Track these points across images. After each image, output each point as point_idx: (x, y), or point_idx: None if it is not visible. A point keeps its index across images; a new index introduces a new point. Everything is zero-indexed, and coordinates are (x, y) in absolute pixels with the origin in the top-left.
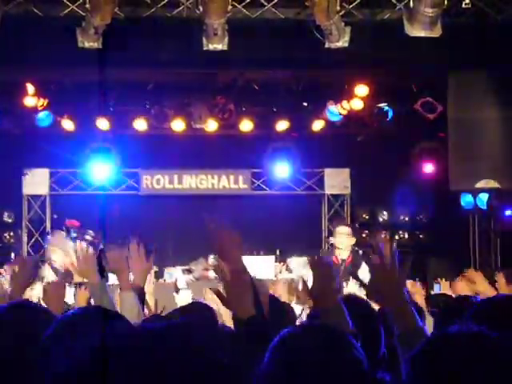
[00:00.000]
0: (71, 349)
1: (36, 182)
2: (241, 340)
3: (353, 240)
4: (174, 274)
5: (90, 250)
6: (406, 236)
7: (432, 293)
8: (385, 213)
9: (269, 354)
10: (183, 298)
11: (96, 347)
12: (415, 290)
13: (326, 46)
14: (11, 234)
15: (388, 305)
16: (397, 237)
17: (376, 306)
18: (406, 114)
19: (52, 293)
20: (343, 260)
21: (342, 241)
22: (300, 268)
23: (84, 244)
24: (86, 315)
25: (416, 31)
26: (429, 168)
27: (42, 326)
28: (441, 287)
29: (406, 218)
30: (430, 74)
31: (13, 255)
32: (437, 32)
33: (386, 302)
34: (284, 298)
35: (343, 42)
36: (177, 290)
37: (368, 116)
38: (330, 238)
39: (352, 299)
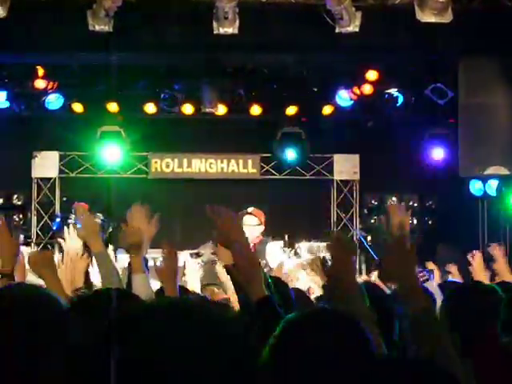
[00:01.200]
0: (87, 323)
1: (45, 164)
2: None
3: (259, 229)
4: (182, 257)
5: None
6: (415, 222)
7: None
8: (394, 199)
9: (272, 341)
10: (192, 282)
11: (112, 320)
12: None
13: (337, 30)
14: (20, 216)
15: (401, 283)
16: None
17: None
18: (416, 100)
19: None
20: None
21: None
22: (308, 253)
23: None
24: (102, 295)
25: (427, 17)
26: (438, 154)
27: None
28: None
29: (415, 204)
30: (440, 60)
31: (21, 237)
32: (448, 17)
33: (399, 280)
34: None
35: (354, 27)
36: (185, 274)
37: (378, 102)
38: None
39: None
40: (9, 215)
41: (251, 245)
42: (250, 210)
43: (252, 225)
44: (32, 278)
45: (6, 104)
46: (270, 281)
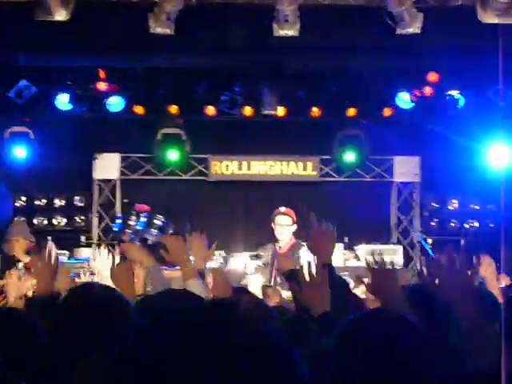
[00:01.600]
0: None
1: (106, 166)
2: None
3: (293, 228)
4: (243, 260)
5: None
6: (477, 225)
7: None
8: (455, 201)
9: (334, 340)
10: (252, 284)
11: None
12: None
13: (398, 32)
14: (82, 218)
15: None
16: (467, 225)
17: None
18: (477, 102)
19: (120, 274)
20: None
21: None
22: (369, 256)
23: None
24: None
25: (489, 18)
26: (499, 156)
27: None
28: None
29: (477, 207)
30: (503, 62)
31: (83, 239)
32: (511, 18)
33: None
34: None
35: (415, 29)
36: (245, 276)
37: (439, 103)
38: (272, 224)
39: (417, 290)
40: (70, 217)
41: (287, 246)
42: (282, 209)
43: (287, 224)
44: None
45: (69, 106)
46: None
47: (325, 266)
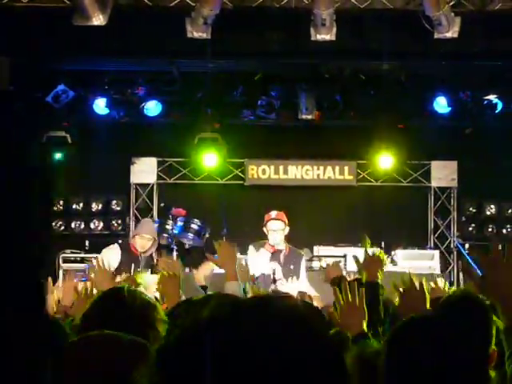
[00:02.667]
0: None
1: (144, 170)
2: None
3: (286, 231)
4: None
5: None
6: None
7: None
8: (492, 206)
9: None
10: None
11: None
12: None
13: (436, 36)
14: (119, 221)
15: (500, 297)
16: (504, 231)
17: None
18: None
19: (167, 283)
20: (279, 250)
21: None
22: (405, 261)
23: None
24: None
25: None
26: None
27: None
28: None
29: None
30: None
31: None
32: None
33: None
34: None
35: (453, 33)
36: (274, 281)
37: (477, 108)
38: (263, 229)
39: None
40: (107, 220)
41: (284, 251)
42: (273, 214)
43: (280, 229)
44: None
45: (106, 110)
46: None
47: (361, 283)
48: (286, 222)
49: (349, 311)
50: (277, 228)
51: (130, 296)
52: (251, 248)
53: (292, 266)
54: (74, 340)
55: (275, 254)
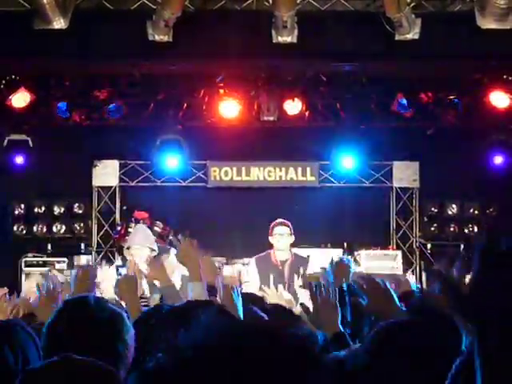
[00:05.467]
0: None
1: (106, 173)
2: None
3: (292, 239)
4: (238, 267)
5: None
6: (476, 229)
7: None
8: (454, 206)
9: (366, 346)
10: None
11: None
12: None
13: (397, 38)
14: (81, 225)
15: None
16: (466, 230)
17: None
18: (476, 107)
19: (124, 286)
20: (283, 261)
21: (282, 241)
22: (368, 261)
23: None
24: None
25: (488, 23)
26: (499, 161)
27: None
28: None
29: (476, 212)
30: (502, 66)
31: (82, 246)
32: (509, 24)
33: None
34: None
35: (414, 34)
36: (241, 283)
37: (438, 109)
38: (269, 238)
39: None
40: (70, 224)
41: (290, 258)
42: (280, 220)
43: (286, 233)
44: None
45: (68, 114)
46: None
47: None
48: (292, 230)
49: (324, 309)
50: (283, 232)
51: (97, 306)
52: (254, 261)
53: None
54: (34, 368)
55: (279, 266)
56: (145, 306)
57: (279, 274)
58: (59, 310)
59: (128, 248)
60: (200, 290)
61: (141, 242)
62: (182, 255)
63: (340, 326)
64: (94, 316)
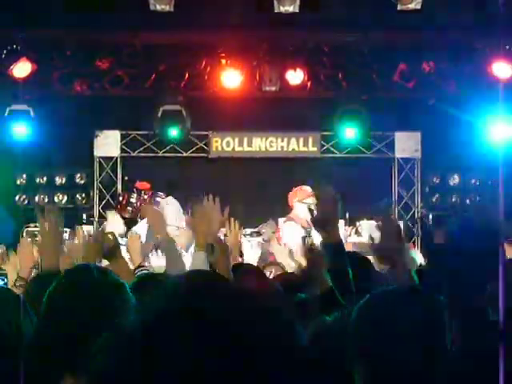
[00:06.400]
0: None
1: (107, 143)
2: None
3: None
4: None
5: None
6: (478, 200)
7: None
8: (456, 177)
9: (356, 313)
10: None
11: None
12: None
13: (399, 8)
14: (83, 195)
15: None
16: (468, 201)
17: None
18: (478, 77)
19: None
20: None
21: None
22: (370, 231)
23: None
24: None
25: None
26: (500, 132)
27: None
28: None
29: (478, 183)
30: (504, 37)
31: (84, 216)
32: None
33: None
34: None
35: (416, 4)
36: (241, 254)
37: (440, 79)
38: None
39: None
40: (71, 194)
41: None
42: (310, 189)
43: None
44: None
45: (69, 83)
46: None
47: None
48: None
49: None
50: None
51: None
52: (290, 223)
53: None
54: None
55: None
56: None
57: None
58: (60, 278)
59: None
60: (199, 262)
61: (172, 223)
62: (200, 217)
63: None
64: (96, 285)
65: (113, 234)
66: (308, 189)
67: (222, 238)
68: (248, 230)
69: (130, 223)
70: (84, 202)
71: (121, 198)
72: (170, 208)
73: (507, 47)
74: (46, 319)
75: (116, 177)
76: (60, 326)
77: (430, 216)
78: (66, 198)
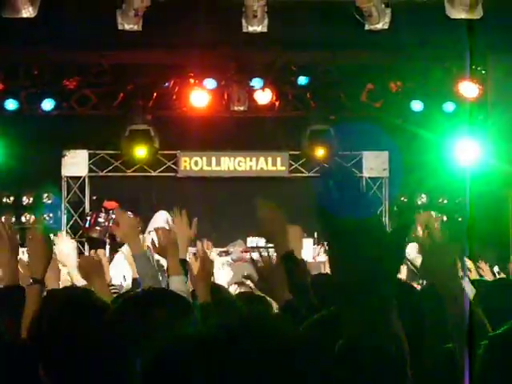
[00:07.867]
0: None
1: (75, 163)
2: None
3: None
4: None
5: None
6: (445, 219)
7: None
8: (423, 196)
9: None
10: (221, 279)
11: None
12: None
13: (366, 27)
14: (51, 215)
15: None
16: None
17: None
18: (445, 96)
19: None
20: None
21: None
22: None
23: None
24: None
25: (457, 13)
26: (469, 152)
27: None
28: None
29: (445, 201)
30: (469, 56)
31: (52, 236)
32: (478, 14)
33: None
34: None
35: (383, 25)
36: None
37: (407, 98)
38: None
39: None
40: (40, 214)
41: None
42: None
43: None
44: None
45: (37, 103)
46: None
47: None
48: None
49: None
50: None
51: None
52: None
53: None
54: None
55: None
56: (114, 293)
57: None
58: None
59: (149, 233)
60: (179, 286)
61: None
62: (160, 246)
63: (289, 294)
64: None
65: (97, 254)
66: None
67: (191, 256)
68: (217, 250)
69: (96, 243)
70: (52, 221)
71: (89, 218)
72: (160, 216)
73: (473, 67)
74: None
75: (84, 196)
76: None
77: None
78: (33, 217)
